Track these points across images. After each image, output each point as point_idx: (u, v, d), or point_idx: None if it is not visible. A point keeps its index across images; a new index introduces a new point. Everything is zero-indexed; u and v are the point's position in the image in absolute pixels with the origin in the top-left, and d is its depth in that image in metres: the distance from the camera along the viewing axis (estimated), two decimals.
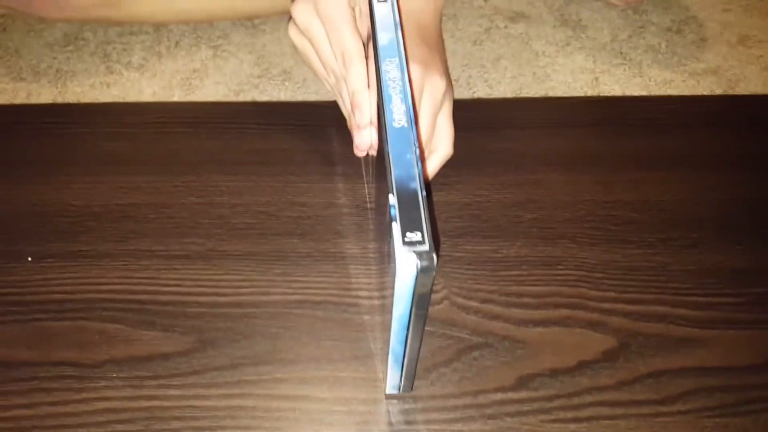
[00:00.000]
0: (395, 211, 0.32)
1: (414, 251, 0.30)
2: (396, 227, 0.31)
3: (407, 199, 0.32)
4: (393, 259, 0.32)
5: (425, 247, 0.30)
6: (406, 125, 0.35)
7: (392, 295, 0.33)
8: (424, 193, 0.32)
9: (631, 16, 0.71)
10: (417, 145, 0.34)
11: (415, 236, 0.31)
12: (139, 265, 0.49)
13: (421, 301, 0.33)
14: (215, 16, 0.66)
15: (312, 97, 0.62)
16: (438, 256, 0.47)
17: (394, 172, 0.33)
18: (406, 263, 0.30)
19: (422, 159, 0.46)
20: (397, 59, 0.38)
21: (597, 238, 0.52)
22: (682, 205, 0.54)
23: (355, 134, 0.48)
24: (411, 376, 0.42)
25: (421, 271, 0.30)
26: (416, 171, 0.33)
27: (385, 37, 0.40)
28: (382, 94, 0.37)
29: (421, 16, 0.53)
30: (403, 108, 0.36)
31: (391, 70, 0.38)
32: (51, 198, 0.53)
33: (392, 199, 0.32)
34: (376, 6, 0.42)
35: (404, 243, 0.31)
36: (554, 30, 0.69)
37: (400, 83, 0.37)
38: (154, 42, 0.66)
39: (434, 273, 0.31)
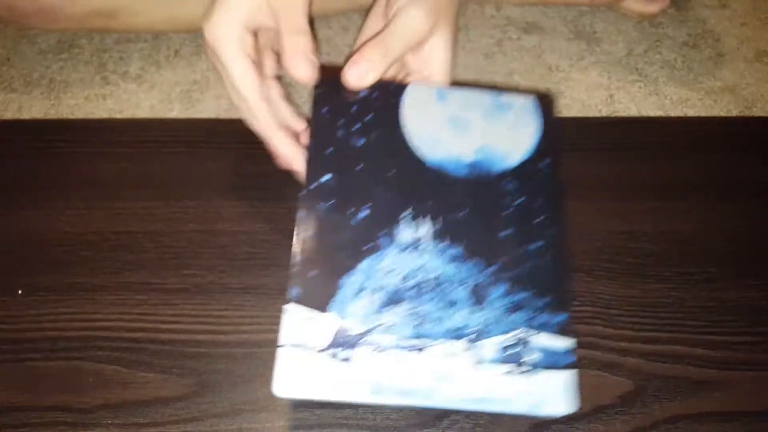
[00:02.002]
0: None
1: None
2: None
3: None
4: None
5: None
6: None
7: None
8: None
9: (646, 29, 0.68)
10: None
11: None
12: (135, 300, 0.47)
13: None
14: None
15: None
16: None
17: None
18: None
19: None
20: None
21: (613, 271, 0.50)
22: (700, 236, 0.52)
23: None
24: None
25: None
26: None
27: None
28: None
29: None
30: None
31: None
32: (44, 225, 0.50)
33: None
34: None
35: None
36: (568, 43, 0.66)
37: None
38: (153, 50, 0.63)
39: None
